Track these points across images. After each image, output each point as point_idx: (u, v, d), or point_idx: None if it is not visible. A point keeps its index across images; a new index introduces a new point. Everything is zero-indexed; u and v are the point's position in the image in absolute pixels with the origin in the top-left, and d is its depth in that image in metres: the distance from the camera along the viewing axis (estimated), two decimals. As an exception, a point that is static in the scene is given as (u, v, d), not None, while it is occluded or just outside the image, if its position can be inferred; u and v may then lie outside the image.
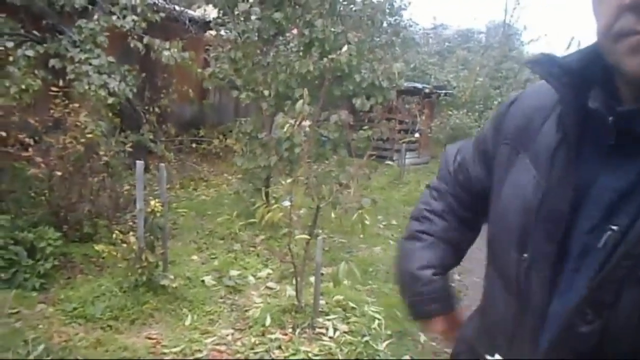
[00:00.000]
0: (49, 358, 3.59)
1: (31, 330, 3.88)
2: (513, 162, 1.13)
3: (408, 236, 1.50)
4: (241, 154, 6.81)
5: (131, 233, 4.67)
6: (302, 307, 4.50)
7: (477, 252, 1.51)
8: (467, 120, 14.64)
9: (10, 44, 6.01)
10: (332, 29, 6.35)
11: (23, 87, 5.56)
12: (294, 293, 4.65)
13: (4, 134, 5.19)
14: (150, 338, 4.05)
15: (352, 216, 4.25)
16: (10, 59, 5.80)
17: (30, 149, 5.31)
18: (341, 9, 7.22)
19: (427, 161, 15.14)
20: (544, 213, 0.99)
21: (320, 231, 4.50)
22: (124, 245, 4.51)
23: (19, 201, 5.35)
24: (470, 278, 5.57)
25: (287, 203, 4.09)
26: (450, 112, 15.07)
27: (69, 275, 4.99)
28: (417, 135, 14.33)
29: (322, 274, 4.62)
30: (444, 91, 16.36)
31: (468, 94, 15.98)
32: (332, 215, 5.13)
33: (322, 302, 4.59)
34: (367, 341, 4.19)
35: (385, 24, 11.63)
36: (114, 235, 4.62)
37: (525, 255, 1.02)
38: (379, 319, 4.61)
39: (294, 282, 4.62)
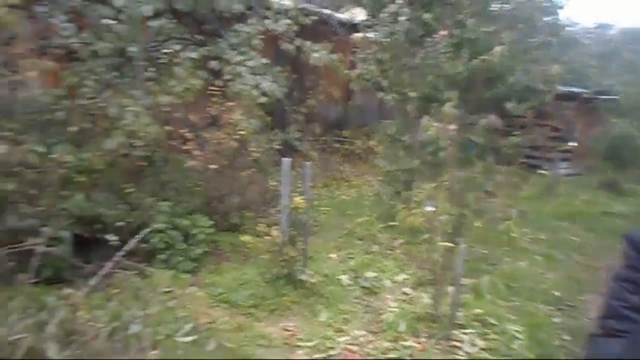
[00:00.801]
0: (194, 336, 3.83)
1: (181, 309, 4.18)
2: None
3: (605, 334, 1.31)
4: (383, 156, 6.79)
5: (274, 227, 4.86)
6: (439, 317, 4.34)
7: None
8: (633, 130, 13.18)
9: (177, 47, 6.58)
10: (484, 29, 6.07)
11: (187, 86, 6.04)
12: (430, 301, 4.50)
13: (169, 128, 5.69)
14: (286, 329, 4.17)
15: (497, 226, 3.99)
16: (176, 60, 6.34)
17: (188, 143, 5.76)
18: (494, 8, 6.89)
19: (582, 172, 13.90)
20: None
21: (462, 240, 4.30)
22: (268, 238, 4.70)
23: (178, 190, 5.82)
24: None
25: (429, 208, 3.97)
26: (613, 120, 13.69)
27: (217, 261, 5.33)
28: (573, 144, 13.21)
29: (462, 285, 4.41)
30: (606, 97, 14.89)
31: (634, 101, 14.39)
32: (476, 224, 4.89)
33: (459, 314, 4.38)
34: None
35: (541, 24, 10.88)
36: (259, 228, 4.84)
37: None
38: (520, 340, 4.28)
39: (431, 289, 4.47)
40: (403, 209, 4.00)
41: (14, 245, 3.63)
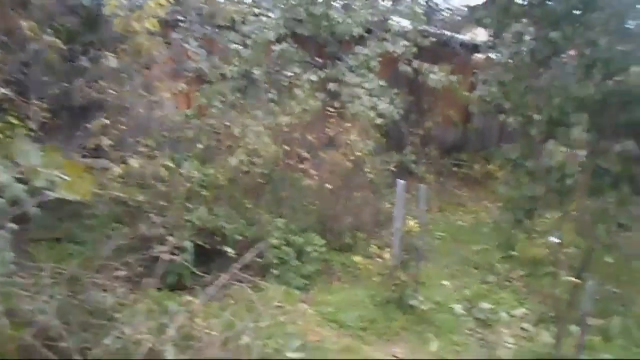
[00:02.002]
0: (302, 354, 3.84)
1: (291, 325, 4.23)
2: None
3: None
4: (504, 182, 6.46)
5: (387, 249, 4.79)
6: (559, 359, 3.99)
7: None
8: None
9: (297, 70, 6.81)
10: (620, 48, 5.60)
11: (305, 107, 6.22)
12: (551, 340, 4.16)
13: (287, 147, 5.87)
14: (394, 355, 4.06)
15: (631, 263, 3.61)
16: (297, 82, 6.57)
17: (305, 163, 5.90)
18: (631, 24, 6.34)
19: None
20: None
21: (590, 275, 3.94)
22: (379, 260, 4.65)
23: (293, 208, 5.97)
24: None
25: (554, 239, 3.69)
26: None
27: (328, 280, 5.36)
28: None
29: (588, 325, 4.03)
30: None
31: None
32: (607, 259, 4.46)
33: (585, 357, 3.99)
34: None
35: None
36: (371, 250, 4.80)
37: None
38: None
39: (553, 328, 4.13)
40: (524, 238, 3.73)
41: (143, 252, 3.91)
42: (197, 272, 4.70)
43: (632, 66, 5.08)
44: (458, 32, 10.59)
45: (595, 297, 5.00)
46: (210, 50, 6.30)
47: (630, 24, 6.34)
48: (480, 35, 9.22)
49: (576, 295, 3.96)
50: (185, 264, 4.34)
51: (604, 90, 5.32)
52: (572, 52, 6.47)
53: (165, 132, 5.43)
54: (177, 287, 4.45)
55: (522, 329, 4.75)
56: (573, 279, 3.89)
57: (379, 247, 4.85)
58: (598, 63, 5.60)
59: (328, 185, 5.77)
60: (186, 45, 5.91)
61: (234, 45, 6.52)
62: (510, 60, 6.37)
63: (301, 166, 6.00)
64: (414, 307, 4.55)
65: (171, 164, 4.83)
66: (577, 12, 5.74)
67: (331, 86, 7.16)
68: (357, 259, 4.90)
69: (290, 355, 3.77)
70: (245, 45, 6.57)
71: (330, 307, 4.66)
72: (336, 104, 6.73)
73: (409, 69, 7.17)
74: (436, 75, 7.09)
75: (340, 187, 5.93)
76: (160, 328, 3.09)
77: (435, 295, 5.16)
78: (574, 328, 4.02)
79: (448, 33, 10.14)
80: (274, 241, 5.10)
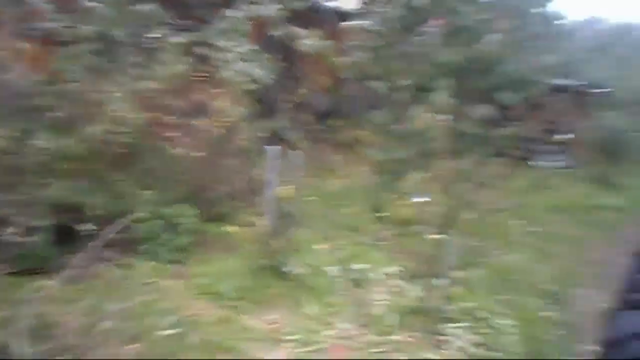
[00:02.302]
0: (177, 329, 3.70)
1: (164, 302, 4.05)
2: None
3: (630, 307, 1.21)
4: (374, 146, 6.67)
5: (262, 217, 4.73)
6: (428, 311, 4.23)
7: None
8: (623, 123, 13.12)
9: (163, 32, 6.39)
10: (478, 17, 5.95)
11: (172, 72, 5.87)
12: (421, 294, 4.40)
13: (154, 115, 5.52)
14: (271, 322, 4.05)
15: (489, 218, 3.89)
16: (162, 45, 6.16)
17: (175, 130, 5.60)
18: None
19: (575, 165, 13.85)
20: None
21: (452, 232, 4.20)
22: (255, 228, 4.58)
23: (162, 179, 5.66)
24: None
25: (418, 199, 3.86)
26: (606, 114, 13.62)
27: (202, 252, 5.18)
28: (568, 136, 13.12)
29: (454, 278, 4.31)
30: (598, 90, 14.81)
31: (626, 95, 14.34)
32: (468, 216, 4.78)
33: (450, 307, 4.28)
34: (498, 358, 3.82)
35: (532, 14, 10.77)
36: (246, 218, 4.71)
37: None
38: (512, 334, 4.18)
39: (421, 282, 4.37)
40: (394, 199, 3.87)
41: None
42: (60, 255, 4.31)
43: (488, 35, 5.42)
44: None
45: (458, 251, 5.36)
46: (65, 9, 5.68)
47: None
48: (349, 3, 9.31)
49: (441, 251, 4.20)
50: (42, 245, 3.94)
51: (464, 57, 5.66)
52: (436, 21, 6.77)
53: (10, 100, 4.83)
54: (34, 271, 4.03)
55: (394, 285, 4.94)
56: (437, 235, 4.12)
57: (254, 215, 4.77)
58: (461, 31, 5.93)
59: (199, 154, 5.53)
60: (35, 2, 5.27)
61: (90, 3, 5.94)
62: (378, 27, 6.53)
63: (170, 134, 5.67)
64: (290, 273, 4.56)
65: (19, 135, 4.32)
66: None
67: (200, 50, 6.84)
68: (232, 228, 4.78)
69: (163, 332, 3.62)
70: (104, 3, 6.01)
71: (206, 278, 4.53)
72: (206, 69, 6.44)
73: (281, 33, 7.05)
74: (308, 41, 7.03)
75: (212, 155, 5.71)
76: (10, 319, 2.77)
77: (310, 259, 5.20)
78: (442, 281, 4.28)
79: (319, -1, 10.13)
80: (142, 214, 4.79)
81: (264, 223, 4.56)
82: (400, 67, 6.23)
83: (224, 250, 5.25)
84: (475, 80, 5.74)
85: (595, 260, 6.58)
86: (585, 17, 26.07)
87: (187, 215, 5.09)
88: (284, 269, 4.54)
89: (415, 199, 3.88)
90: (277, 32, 7.06)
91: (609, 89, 14.99)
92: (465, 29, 5.77)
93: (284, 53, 8.73)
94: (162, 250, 4.81)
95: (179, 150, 5.45)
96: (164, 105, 5.74)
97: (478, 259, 5.76)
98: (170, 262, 4.79)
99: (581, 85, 14.07)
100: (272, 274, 4.54)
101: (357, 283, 4.94)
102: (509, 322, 4.35)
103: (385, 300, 4.58)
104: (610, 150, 12.50)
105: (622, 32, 26.03)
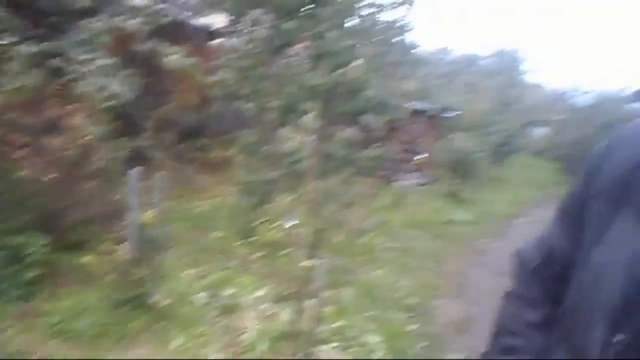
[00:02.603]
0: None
1: (11, 345, 3.60)
2: (611, 220, 0.89)
3: (501, 350, 1.24)
4: (242, 166, 6.58)
5: (123, 244, 4.41)
6: (300, 334, 4.21)
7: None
8: (470, 144, 14.47)
9: (9, 40, 5.79)
10: (343, 43, 6.16)
11: (21, 84, 5.33)
12: (291, 317, 4.37)
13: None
14: (133, 360, 3.77)
15: (355, 238, 3.99)
16: (10, 55, 5.58)
17: (24, 150, 5.07)
18: (352, 23, 7.04)
19: (430, 182, 14.92)
20: None
21: (321, 253, 4.24)
22: (114, 256, 4.25)
23: (7, 204, 5.08)
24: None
25: (289, 222, 3.85)
26: (455, 135, 14.90)
27: (54, 286, 4.69)
28: (423, 156, 14.13)
29: (324, 298, 4.35)
30: (448, 114, 16.20)
31: (473, 118, 15.84)
32: (336, 236, 4.88)
33: (321, 328, 4.30)
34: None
35: (393, 42, 11.48)
36: (104, 246, 4.36)
37: (620, 337, 0.79)
38: (379, 350, 4.32)
39: (292, 304, 4.34)
40: (263, 222, 3.81)
41: None
42: None
43: (352, 60, 5.62)
44: (196, 16, 10.38)
45: (327, 271, 5.44)
46: None
47: (352, 23, 7.04)
48: (218, 21, 9.20)
49: (310, 272, 4.21)
50: None
51: (331, 80, 5.81)
52: (302, 44, 6.90)
53: None
54: None
55: (264, 309, 4.88)
56: (306, 257, 4.14)
57: (114, 243, 4.43)
58: (325, 55, 6.09)
59: (51, 176, 5.04)
60: None
61: None
62: (247, 47, 6.49)
63: (17, 154, 5.12)
64: (154, 304, 4.29)
65: None
66: (310, 6, 6.12)
67: (54, 62, 6.29)
68: (88, 257, 4.38)
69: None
70: None
71: (59, 316, 4.09)
72: (60, 83, 5.93)
73: (144, 48, 6.72)
74: (172, 57, 6.79)
75: (66, 177, 5.24)
76: None
77: (177, 287, 4.97)
78: (309, 303, 4.28)
79: (186, 15, 9.86)
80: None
81: (125, 250, 4.24)
82: (269, 88, 6.24)
83: (80, 283, 4.80)
84: (341, 103, 5.91)
85: (450, 272, 7.10)
86: (435, 47, 28.49)
87: (36, 244, 4.58)
88: (148, 300, 4.26)
89: (284, 222, 3.86)
90: (140, 47, 6.71)
91: (458, 113, 16.48)
92: (330, 54, 5.93)
93: (148, 68, 8.35)
94: (6, 286, 4.27)
95: (27, 172, 4.92)
96: (11, 122, 5.18)
97: (346, 278, 5.92)
98: (18, 298, 4.27)
99: (435, 109, 15.27)
100: (135, 306, 4.23)
101: (227, 309, 4.78)
102: (377, 338, 4.50)
103: (256, 325, 4.49)
104: (459, 169, 13.70)
105: (469, 61, 28.98)
